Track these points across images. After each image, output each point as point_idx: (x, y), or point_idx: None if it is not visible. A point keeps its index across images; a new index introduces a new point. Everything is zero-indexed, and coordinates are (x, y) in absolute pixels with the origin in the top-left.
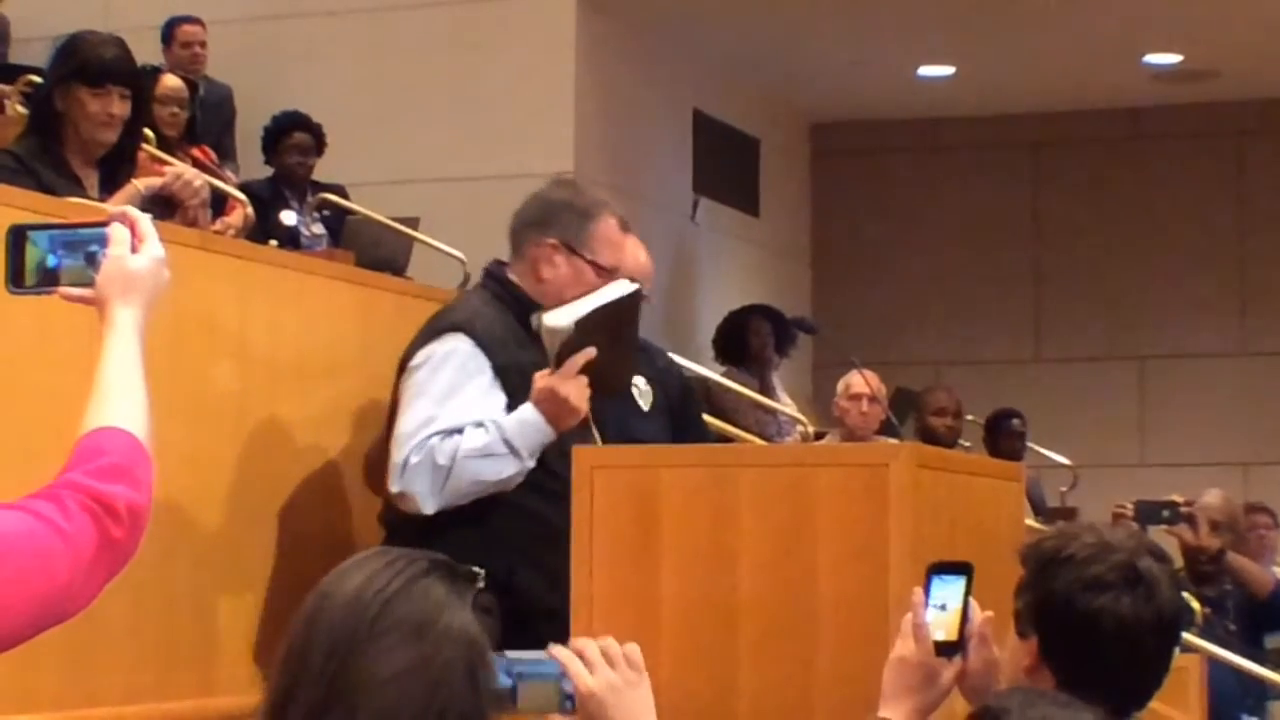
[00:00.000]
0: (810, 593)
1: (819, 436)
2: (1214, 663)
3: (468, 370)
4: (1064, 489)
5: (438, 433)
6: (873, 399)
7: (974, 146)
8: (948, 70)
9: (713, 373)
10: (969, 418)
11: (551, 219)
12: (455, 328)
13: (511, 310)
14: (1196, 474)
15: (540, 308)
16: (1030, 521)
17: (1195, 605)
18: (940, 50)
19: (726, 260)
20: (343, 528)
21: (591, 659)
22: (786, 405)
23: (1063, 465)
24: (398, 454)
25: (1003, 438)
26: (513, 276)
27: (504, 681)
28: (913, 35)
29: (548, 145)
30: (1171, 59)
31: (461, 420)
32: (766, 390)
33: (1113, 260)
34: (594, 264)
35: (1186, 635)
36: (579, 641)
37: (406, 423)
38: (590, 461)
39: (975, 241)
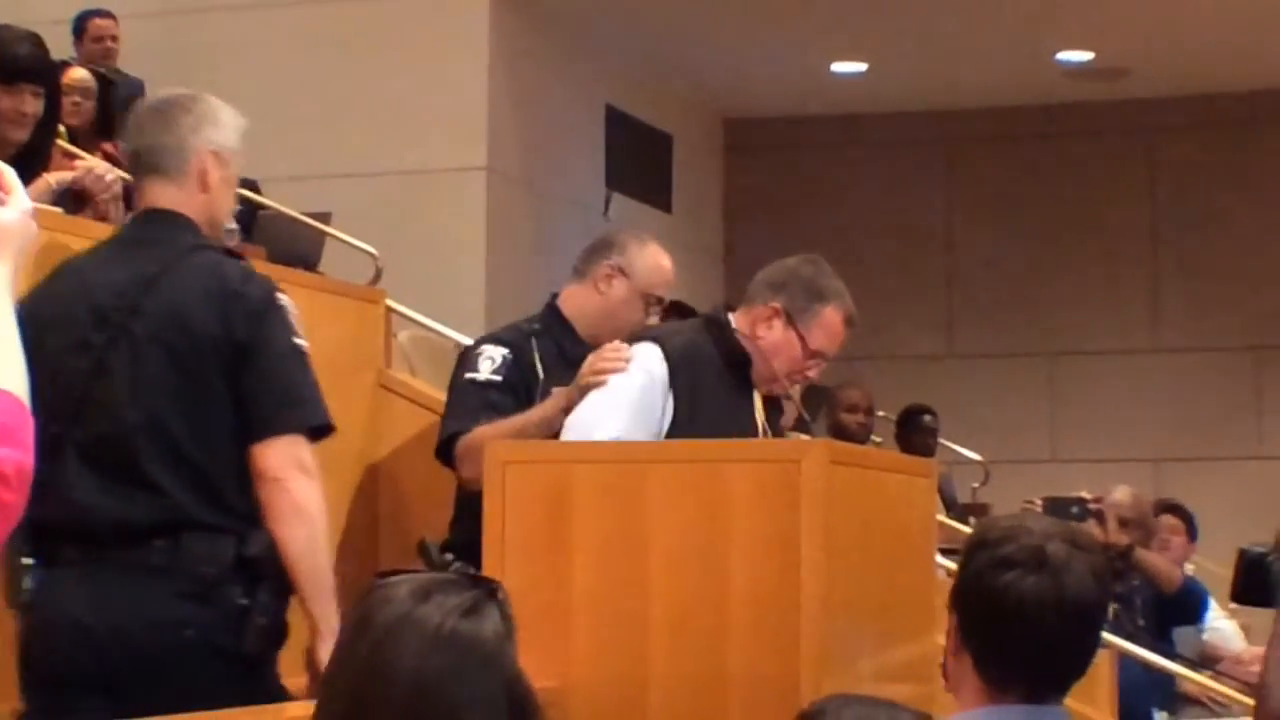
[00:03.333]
0: (722, 586)
1: None
2: (1124, 658)
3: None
4: (976, 485)
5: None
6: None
7: (887, 143)
8: (861, 67)
9: None
10: (881, 414)
11: (785, 287)
12: (655, 339)
13: (718, 349)
14: (1107, 470)
15: (746, 359)
16: (941, 517)
17: None
18: (853, 47)
19: None
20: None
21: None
22: None
23: (974, 461)
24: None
25: (915, 434)
26: (733, 321)
27: None
28: (826, 32)
29: (461, 141)
30: (1084, 56)
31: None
32: None
33: (1025, 257)
34: (804, 341)
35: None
36: None
37: (584, 413)
38: (503, 456)
39: (888, 237)
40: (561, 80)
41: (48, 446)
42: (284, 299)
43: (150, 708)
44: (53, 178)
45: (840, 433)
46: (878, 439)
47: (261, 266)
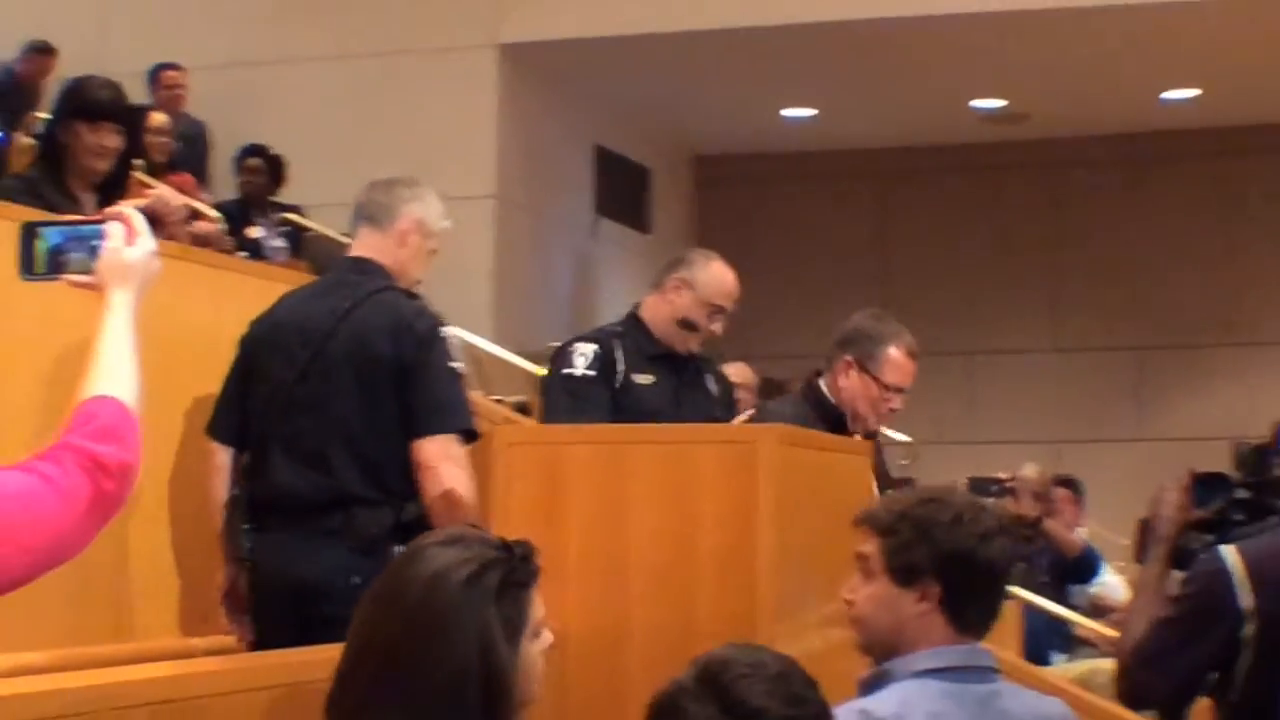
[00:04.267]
0: (691, 549)
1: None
2: (1029, 607)
3: None
4: (904, 462)
5: None
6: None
7: (833, 176)
8: (810, 112)
9: None
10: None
11: (852, 340)
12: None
13: (817, 412)
14: (1014, 450)
15: (840, 414)
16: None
17: None
18: (803, 94)
19: (621, 270)
20: None
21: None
22: None
23: (905, 442)
24: None
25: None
26: (823, 385)
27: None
28: (781, 83)
29: (474, 174)
30: (996, 103)
31: None
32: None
33: (949, 272)
34: (877, 380)
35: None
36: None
37: None
38: (507, 439)
39: (832, 255)
40: (557, 124)
41: (259, 440)
42: (447, 331)
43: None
44: (128, 205)
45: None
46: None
47: (306, 279)
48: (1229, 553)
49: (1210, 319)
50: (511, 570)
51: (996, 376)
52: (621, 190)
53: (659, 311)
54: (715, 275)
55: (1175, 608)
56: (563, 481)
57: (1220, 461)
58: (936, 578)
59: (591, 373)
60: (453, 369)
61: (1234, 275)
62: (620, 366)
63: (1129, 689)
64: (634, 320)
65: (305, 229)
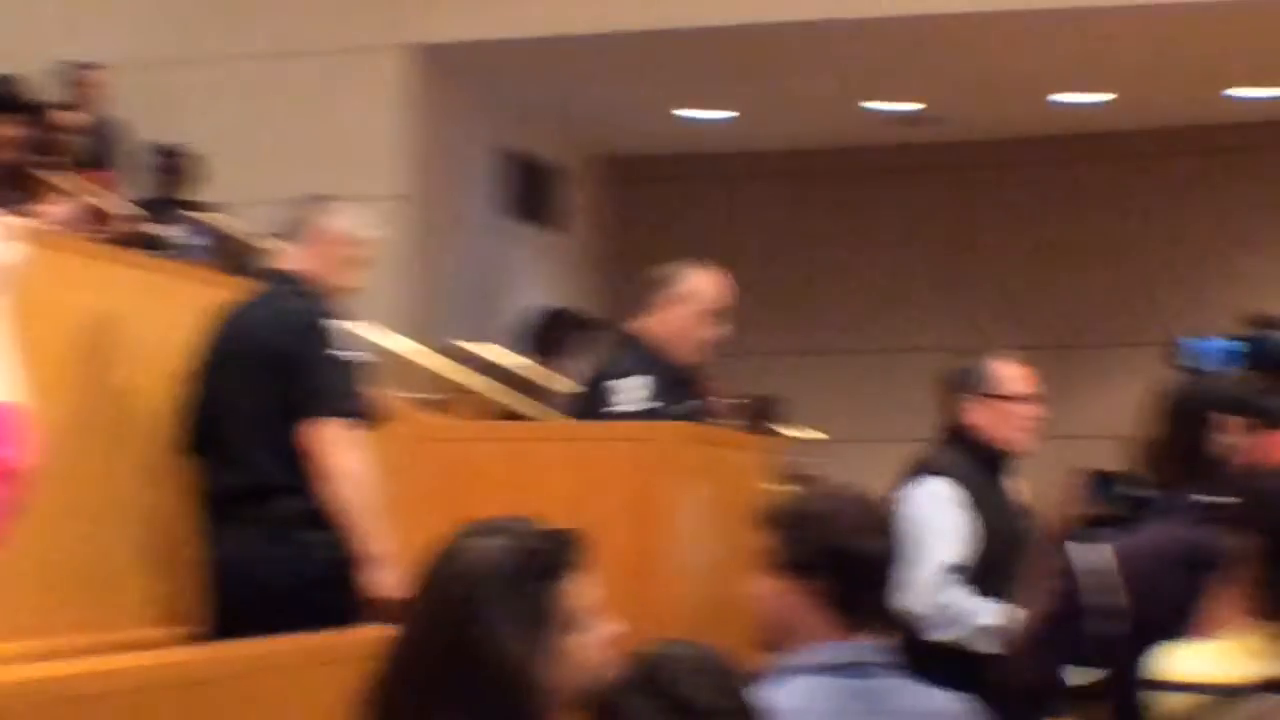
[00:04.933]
0: (601, 538)
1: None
2: None
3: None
4: (817, 461)
5: None
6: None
7: (748, 177)
8: (725, 114)
9: (528, 360)
10: (731, 400)
11: (966, 379)
12: (938, 473)
13: (968, 456)
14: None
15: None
16: (782, 487)
17: None
18: (719, 96)
19: (530, 270)
20: None
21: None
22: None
23: (815, 440)
24: None
25: (762, 417)
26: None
27: None
28: (693, 83)
29: (383, 174)
30: (908, 106)
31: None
32: (569, 375)
33: (866, 271)
34: (1009, 400)
35: None
36: None
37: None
38: (415, 435)
39: (747, 255)
40: (466, 123)
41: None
42: (327, 321)
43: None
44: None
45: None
46: (728, 421)
47: (217, 276)
48: (1103, 550)
49: (1122, 317)
50: (536, 558)
51: (913, 374)
52: (530, 190)
53: (663, 331)
54: (703, 282)
55: (1053, 601)
56: (470, 477)
57: (1107, 459)
58: (826, 573)
59: (658, 404)
60: (334, 356)
61: (1134, 275)
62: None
63: (1021, 673)
64: (639, 348)
65: (218, 228)
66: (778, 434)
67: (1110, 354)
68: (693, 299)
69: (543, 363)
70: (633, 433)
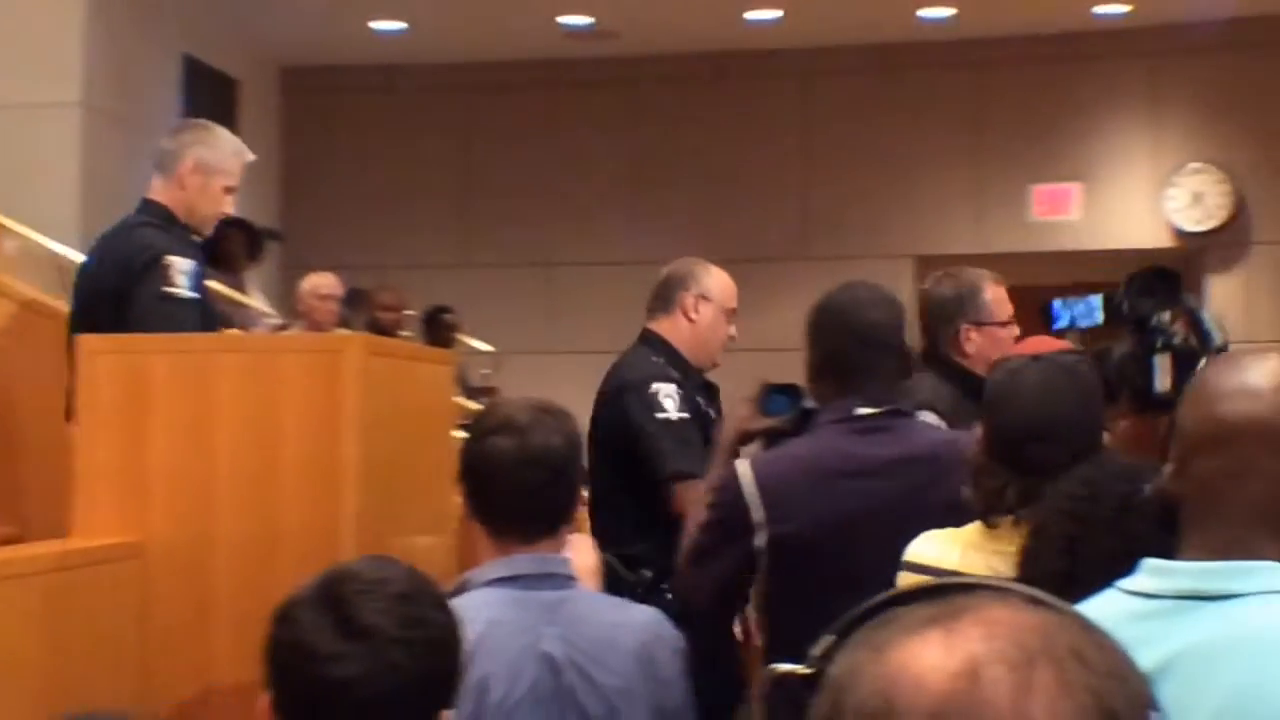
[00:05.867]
0: (276, 457)
1: (284, 328)
2: None
3: None
4: (486, 371)
5: None
6: (334, 297)
7: (420, 90)
8: (401, 25)
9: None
10: (410, 312)
11: (961, 306)
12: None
13: (952, 383)
14: (597, 360)
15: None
16: (458, 399)
17: None
18: (392, 7)
19: None
20: None
21: None
22: (258, 301)
23: (486, 351)
24: None
25: (437, 329)
26: (956, 357)
27: None
28: None
29: (60, 81)
30: (584, 20)
31: None
32: (240, 289)
33: (530, 185)
34: (996, 324)
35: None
36: None
37: None
38: (92, 348)
39: (418, 168)
40: (146, 31)
41: None
42: (174, 260)
43: None
44: None
45: (376, 328)
46: (407, 333)
47: None
48: (744, 466)
49: (782, 233)
50: None
51: (576, 287)
52: (211, 101)
53: (681, 332)
54: (723, 279)
55: (708, 514)
56: (147, 391)
57: (797, 375)
58: (467, 489)
59: (685, 415)
60: (167, 293)
61: (810, 192)
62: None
63: (681, 589)
64: (662, 345)
65: None
66: (456, 345)
67: (793, 267)
68: (715, 297)
69: (216, 275)
70: (314, 344)
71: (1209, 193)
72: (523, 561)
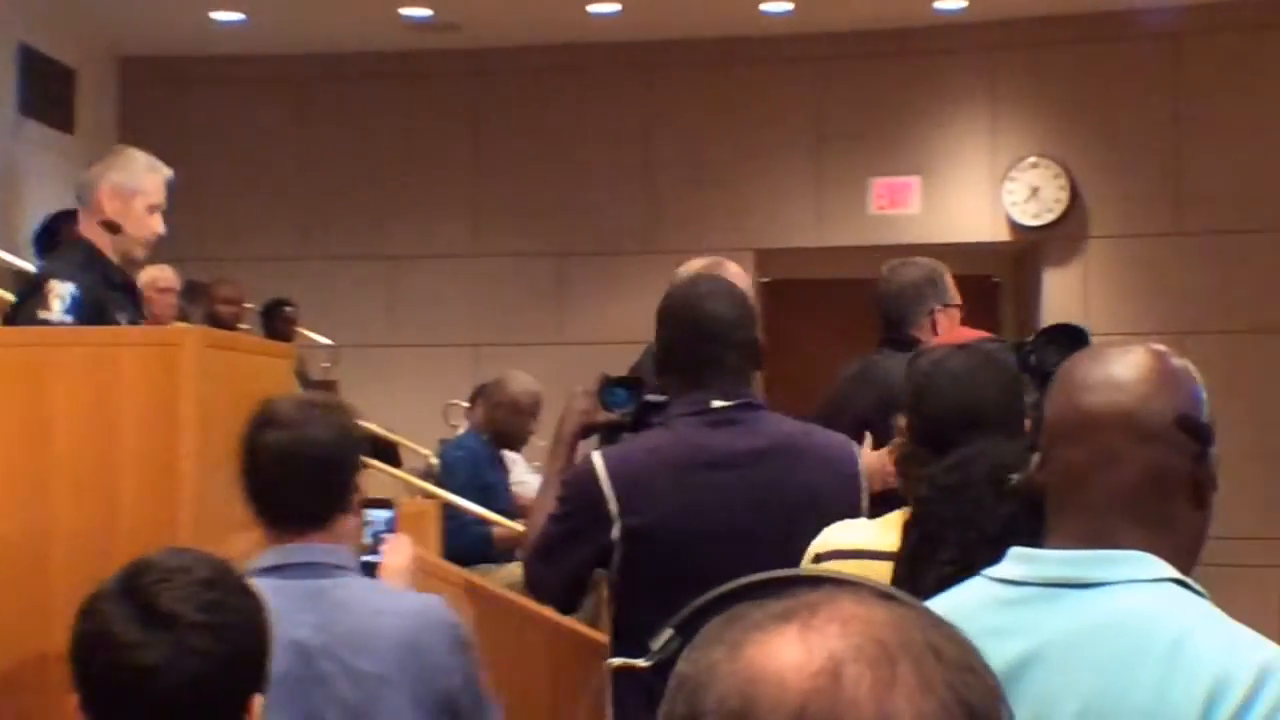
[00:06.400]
0: (114, 450)
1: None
2: (449, 508)
3: None
4: (326, 365)
5: None
6: (171, 289)
7: (259, 81)
8: (240, 16)
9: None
10: (249, 306)
11: (928, 291)
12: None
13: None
14: (438, 354)
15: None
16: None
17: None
18: None
19: (48, 172)
20: None
21: None
22: None
23: (326, 345)
24: None
25: (277, 322)
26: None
27: None
28: None
29: None
30: (425, 12)
31: None
32: None
33: (368, 177)
34: (956, 306)
35: (428, 485)
36: None
37: None
38: None
39: (252, 160)
40: None
41: None
42: (53, 283)
43: None
44: None
45: (216, 322)
46: (246, 327)
47: None
48: (598, 458)
49: (626, 227)
50: None
51: (417, 280)
52: (48, 91)
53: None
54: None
55: (560, 506)
56: None
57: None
58: (242, 482)
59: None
60: (41, 320)
61: (653, 185)
62: None
63: (529, 581)
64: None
65: None
66: (295, 338)
67: (637, 260)
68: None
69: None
70: (149, 337)
71: (1046, 187)
72: (288, 551)
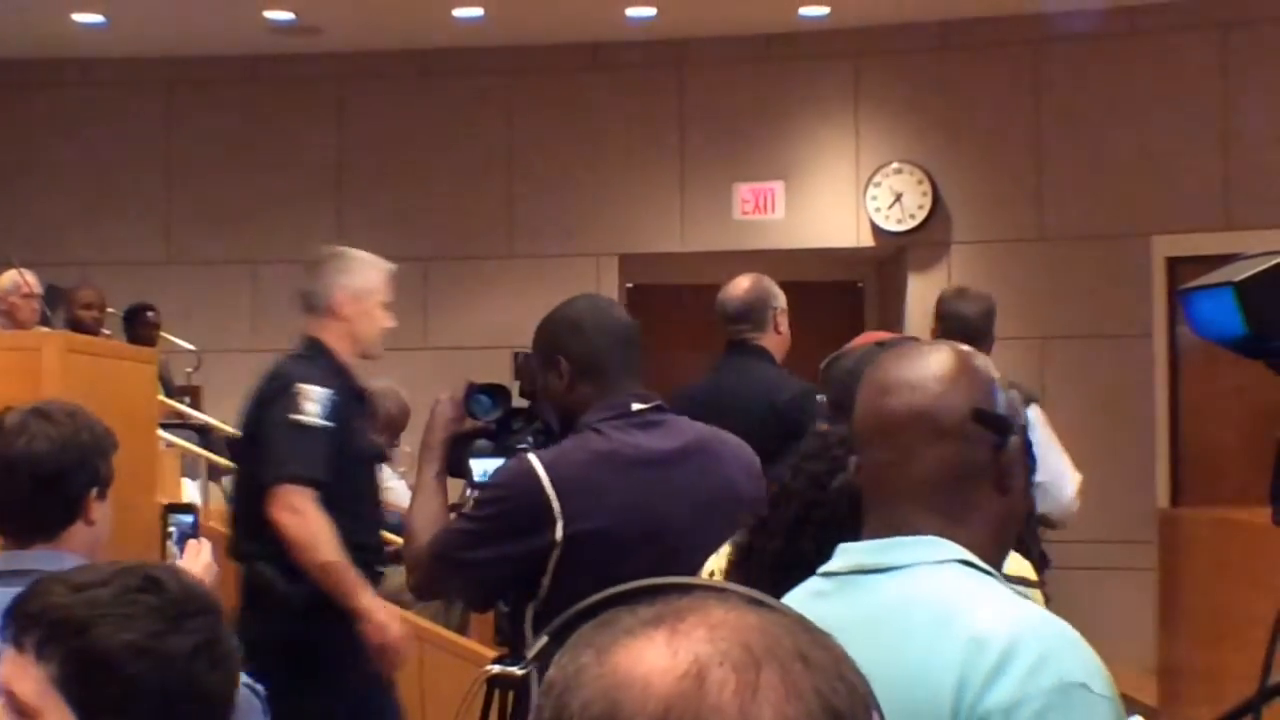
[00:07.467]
0: None
1: None
2: None
3: None
4: (190, 370)
5: None
6: (33, 294)
7: (122, 84)
8: (100, 18)
9: None
10: (111, 310)
11: (988, 326)
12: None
13: None
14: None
15: None
16: (162, 398)
17: None
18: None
19: None
20: None
21: None
22: None
23: (188, 350)
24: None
25: (139, 327)
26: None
27: None
28: None
29: None
30: (287, 16)
31: None
32: None
33: (231, 182)
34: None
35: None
36: None
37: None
38: None
39: (117, 163)
40: None
41: None
42: (302, 387)
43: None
44: None
45: (77, 326)
46: (108, 332)
47: None
48: (535, 460)
49: (491, 231)
50: None
51: (281, 285)
52: None
53: (776, 345)
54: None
55: (488, 507)
56: None
57: (502, 372)
58: None
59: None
60: (294, 421)
61: (514, 190)
62: None
63: (424, 582)
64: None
65: None
66: (158, 343)
67: (498, 265)
68: (783, 304)
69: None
70: (10, 342)
71: (909, 193)
72: (5, 559)
